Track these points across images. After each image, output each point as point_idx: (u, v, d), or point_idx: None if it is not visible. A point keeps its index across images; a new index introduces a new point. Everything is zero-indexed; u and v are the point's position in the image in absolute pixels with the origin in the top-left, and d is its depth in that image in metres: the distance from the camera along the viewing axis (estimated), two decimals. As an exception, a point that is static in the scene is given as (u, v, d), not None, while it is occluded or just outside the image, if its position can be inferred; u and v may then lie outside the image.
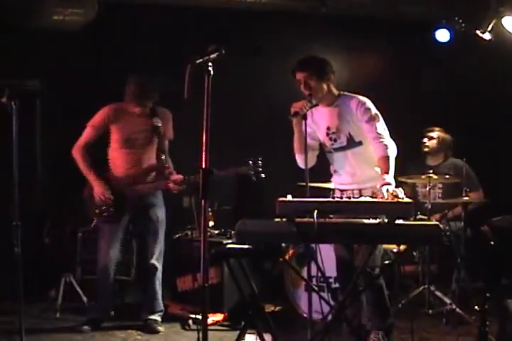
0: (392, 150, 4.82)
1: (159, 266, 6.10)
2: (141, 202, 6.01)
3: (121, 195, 5.95)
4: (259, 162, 5.71)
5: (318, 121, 5.14)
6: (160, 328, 6.02)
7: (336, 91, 5.12)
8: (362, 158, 5.02)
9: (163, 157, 6.03)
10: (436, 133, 7.18)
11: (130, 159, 6.00)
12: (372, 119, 4.91)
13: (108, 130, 6.01)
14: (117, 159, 6.04)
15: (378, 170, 4.84)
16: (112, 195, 5.92)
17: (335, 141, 5.08)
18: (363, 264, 4.50)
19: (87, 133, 6.01)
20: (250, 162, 5.68)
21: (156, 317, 6.10)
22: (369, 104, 4.99)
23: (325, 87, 5.05)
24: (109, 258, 6.00)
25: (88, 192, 6.01)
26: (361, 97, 5.04)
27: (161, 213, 6.13)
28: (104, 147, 6.08)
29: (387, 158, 4.78)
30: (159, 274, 6.12)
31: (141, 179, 6.02)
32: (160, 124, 6.02)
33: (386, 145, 4.83)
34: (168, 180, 5.93)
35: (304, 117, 4.83)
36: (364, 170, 5.02)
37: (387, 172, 4.70)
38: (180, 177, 5.90)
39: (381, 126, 4.91)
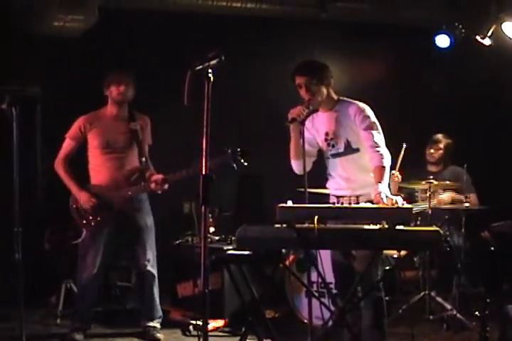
0: (387, 161, 4.78)
1: (155, 272, 6.07)
2: (127, 209, 5.95)
3: (105, 203, 5.93)
4: (239, 150, 5.62)
5: (318, 127, 5.12)
6: (159, 335, 6.00)
7: (335, 96, 5.08)
8: (358, 165, 4.97)
9: (144, 159, 6.00)
10: (442, 144, 7.18)
11: (112, 163, 5.97)
12: (369, 127, 4.86)
13: (86, 140, 6.03)
14: (99, 165, 6.01)
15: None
16: (98, 204, 5.90)
17: (333, 146, 5.04)
18: (364, 271, 4.49)
19: (67, 145, 6.06)
20: (229, 151, 5.59)
21: (155, 323, 6.08)
22: (368, 111, 4.95)
23: (325, 91, 5.00)
24: (99, 268, 5.96)
25: (73, 204, 6.00)
26: (361, 104, 4.99)
27: (148, 219, 6.08)
28: (84, 160, 6.09)
29: (382, 167, 4.72)
30: (156, 280, 6.08)
31: (124, 183, 5.96)
32: (138, 128, 6.02)
33: (382, 154, 4.77)
34: (150, 182, 5.89)
35: (302, 123, 4.82)
36: (359, 176, 4.96)
37: (381, 182, 4.64)
38: (160, 176, 5.86)
39: (378, 135, 4.87)
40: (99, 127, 6.00)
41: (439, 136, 7.23)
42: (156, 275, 6.07)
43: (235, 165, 5.60)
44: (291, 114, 4.85)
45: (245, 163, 5.57)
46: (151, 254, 6.05)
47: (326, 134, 5.06)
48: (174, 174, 5.80)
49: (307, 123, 4.97)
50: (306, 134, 4.91)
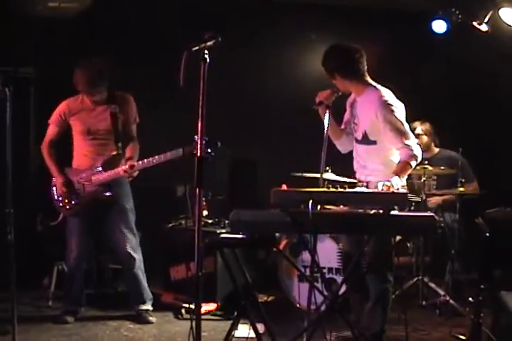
0: (416, 161, 4.67)
1: (136, 255, 6.02)
2: (102, 193, 5.91)
3: (82, 187, 5.92)
4: (206, 140, 5.47)
5: (352, 107, 5.08)
6: (151, 318, 5.99)
7: (363, 81, 4.93)
8: (370, 156, 4.91)
9: (120, 144, 5.93)
10: (420, 129, 7.12)
11: (94, 149, 5.94)
12: (397, 129, 4.71)
13: (69, 125, 6.00)
14: (82, 150, 5.99)
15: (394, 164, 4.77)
16: (72, 187, 5.90)
17: (355, 131, 5.00)
18: (359, 252, 4.48)
19: (50, 131, 6.06)
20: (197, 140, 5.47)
21: (148, 306, 6.07)
22: (394, 107, 4.77)
23: (342, 82, 4.89)
24: (81, 251, 5.97)
25: (53, 187, 6.02)
26: (386, 97, 4.81)
27: (127, 202, 6.04)
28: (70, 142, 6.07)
29: (406, 163, 4.64)
30: (139, 263, 6.03)
31: (104, 168, 5.92)
32: (117, 110, 5.92)
33: (415, 155, 4.66)
34: (121, 167, 5.83)
35: (328, 107, 4.77)
36: (371, 165, 4.91)
37: (398, 175, 4.54)
38: (128, 163, 5.79)
39: (408, 134, 4.73)
40: (80, 113, 5.97)
41: (414, 124, 7.07)
42: (139, 258, 6.03)
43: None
44: (318, 97, 4.81)
45: (213, 154, 5.44)
46: (132, 238, 6.01)
47: (354, 117, 5.02)
48: (142, 161, 5.73)
49: (350, 99, 4.94)
50: (348, 112, 4.88)
